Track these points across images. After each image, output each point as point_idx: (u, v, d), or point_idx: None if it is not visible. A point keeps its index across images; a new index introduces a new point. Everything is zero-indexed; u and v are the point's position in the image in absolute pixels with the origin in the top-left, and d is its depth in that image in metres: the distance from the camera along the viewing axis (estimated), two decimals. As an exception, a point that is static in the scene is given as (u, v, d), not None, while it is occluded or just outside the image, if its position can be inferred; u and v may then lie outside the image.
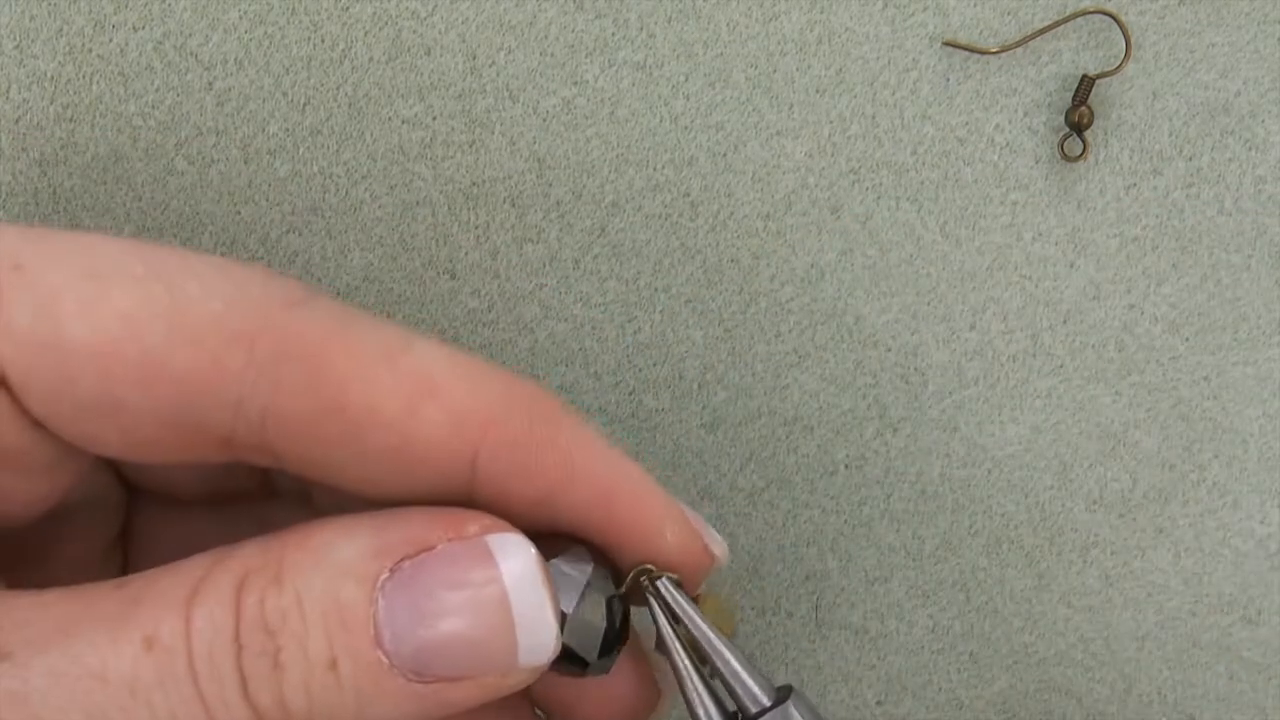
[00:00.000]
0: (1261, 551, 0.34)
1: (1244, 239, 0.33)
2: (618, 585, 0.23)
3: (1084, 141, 0.32)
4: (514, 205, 0.32)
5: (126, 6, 0.31)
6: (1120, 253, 0.33)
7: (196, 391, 0.20)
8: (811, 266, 0.32)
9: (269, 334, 0.20)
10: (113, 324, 0.20)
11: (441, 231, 0.32)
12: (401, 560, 0.20)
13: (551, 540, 0.22)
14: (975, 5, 0.32)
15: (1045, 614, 0.34)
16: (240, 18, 0.31)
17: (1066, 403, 0.33)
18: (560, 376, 0.32)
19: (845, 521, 0.33)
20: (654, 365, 0.33)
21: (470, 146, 0.32)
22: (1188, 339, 0.33)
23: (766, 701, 0.23)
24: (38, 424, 0.21)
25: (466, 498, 0.21)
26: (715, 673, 0.23)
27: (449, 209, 0.32)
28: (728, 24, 0.32)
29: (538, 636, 0.21)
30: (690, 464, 0.33)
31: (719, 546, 0.24)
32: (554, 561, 0.22)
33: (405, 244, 0.32)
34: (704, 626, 0.23)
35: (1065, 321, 0.33)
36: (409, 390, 0.21)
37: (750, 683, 0.23)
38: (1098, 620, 0.34)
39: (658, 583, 0.23)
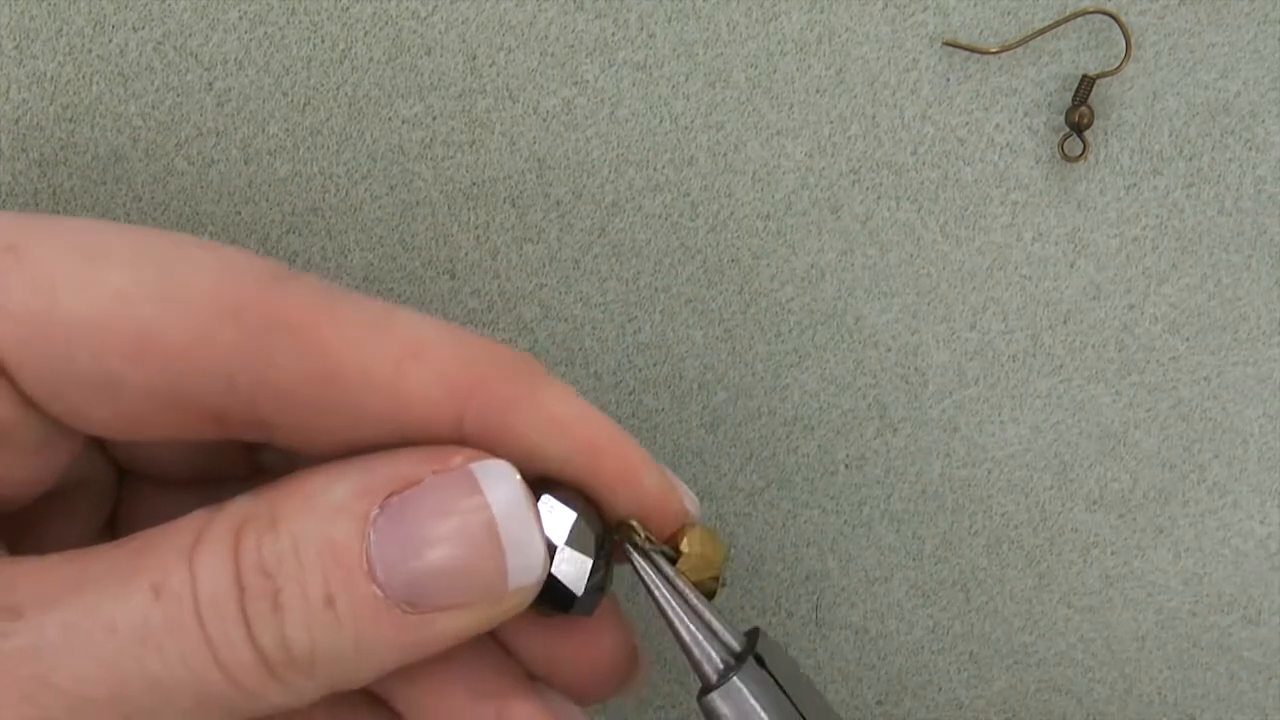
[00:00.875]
0: (1261, 551, 0.34)
1: (1244, 239, 0.33)
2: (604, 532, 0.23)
3: (1084, 141, 0.32)
4: (514, 205, 0.32)
5: (126, 6, 0.31)
6: (1120, 253, 0.33)
7: (189, 364, 0.20)
8: (811, 266, 0.32)
9: (258, 307, 0.21)
10: (107, 300, 0.20)
11: (441, 231, 0.32)
12: (390, 496, 0.21)
13: (539, 486, 0.23)
14: (975, 5, 0.32)
15: (1045, 614, 0.34)
16: (240, 18, 0.31)
17: (1066, 403, 0.33)
18: (560, 376, 0.32)
19: (845, 521, 0.33)
20: (654, 365, 0.33)
21: (470, 146, 0.32)
22: (1188, 339, 0.33)
23: (737, 646, 0.24)
24: (32, 404, 0.21)
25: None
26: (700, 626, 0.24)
27: (449, 209, 0.32)
28: (728, 24, 0.32)
29: (525, 559, 0.21)
30: (690, 464, 0.33)
31: (692, 502, 0.25)
32: (544, 496, 0.22)
33: (405, 244, 0.32)
34: (679, 582, 0.23)
35: (1065, 321, 0.33)
36: (397, 353, 0.21)
37: (721, 628, 0.24)
38: (1098, 620, 0.34)
39: (636, 534, 0.23)
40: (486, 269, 0.32)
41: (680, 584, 0.23)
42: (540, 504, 0.22)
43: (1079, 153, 0.32)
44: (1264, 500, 0.34)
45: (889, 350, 0.33)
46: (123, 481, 0.26)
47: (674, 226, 0.32)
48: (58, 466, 0.23)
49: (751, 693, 0.23)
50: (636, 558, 0.23)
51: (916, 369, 0.33)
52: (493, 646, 0.25)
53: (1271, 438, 0.34)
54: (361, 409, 0.21)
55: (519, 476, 0.22)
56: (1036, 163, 0.32)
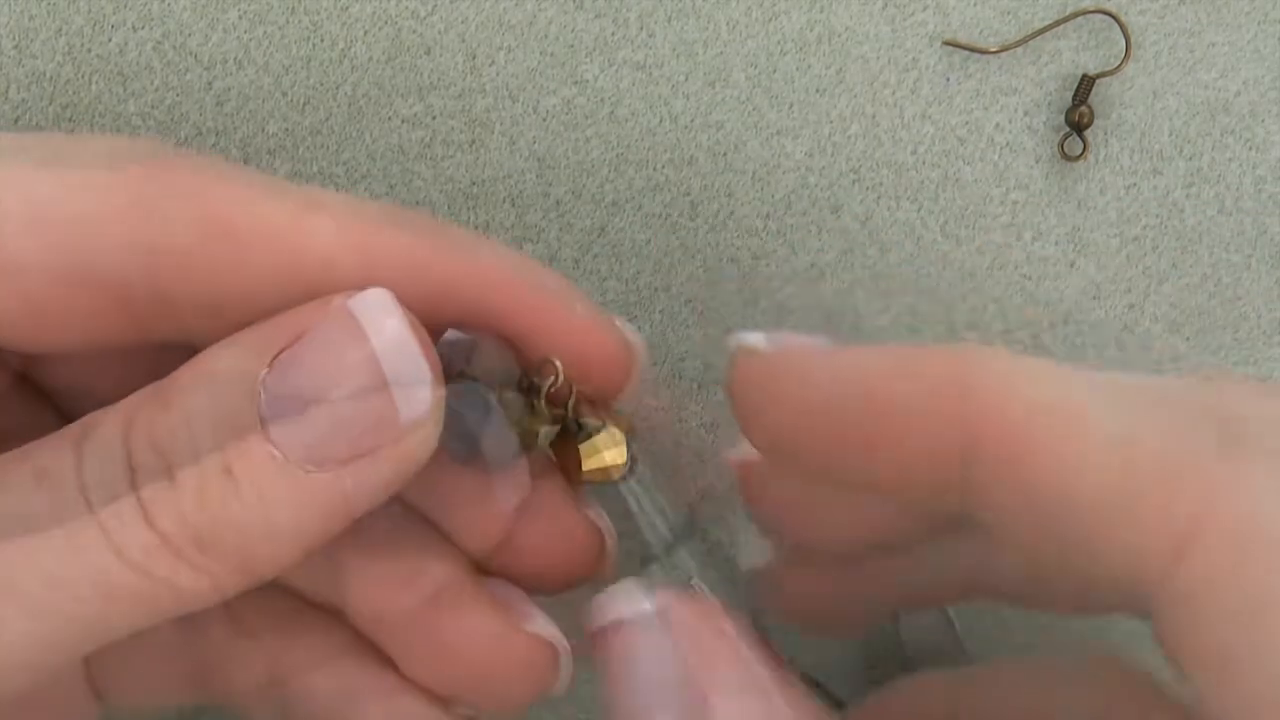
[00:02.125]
0: (1261, 551, 0.34)
1: (1244, 239, 0.33)
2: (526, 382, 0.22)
3: (1084, 141, 0.32)
4: (514, 205, 0.32)
5: (126, 6, 0.31)
6: (1120, 253, 0.33)
7: (86, 233, 0.20)
8: (811, 266, 0.32)
9: (154, 175, 0.20)
10: (1, 186, 0.20)
11: (441, 231, 0.32)
12: (279, 354, 0.20)
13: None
14: (975, 5, 0.32)
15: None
16: (240, 17, 0.31)
17: (1066, 403, 0.33)
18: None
19: (845, 521, 0.33)
20: (654, 365, 0.33)
21: (470, 146, 0.32)
22: (1188, 339, 0.33)
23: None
24: None
25: None
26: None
27: (449, 209, 0.32)
28: (728, 24, 0.32)
29: (411, 388, 0.20)
30: (690, 464, 0.33)
31: (633, 334, 0.24)
32: (449, 331, 0.22)
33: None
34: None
35: (1065, 321, 0.33)
36: (295, 207, 0.21)
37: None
38: (1098, 620, 0.34)
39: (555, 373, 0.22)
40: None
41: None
42: (443, 339, 0.21)
43: (1079, 152, 0.32)
44: (1264, 500, 0.34)
45: (889, 350, 0.33)
46: None
47: (674, 226, 0.32)
48: None
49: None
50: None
51: (916, 369, 0.33)
52: (434, 537, 0.24)
53: (1271, 438, 0.34)
54: (262, 266, 0.20)
55: (397, 305, 0.20)
56: (1036, 162, 0.33)
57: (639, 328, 0.32)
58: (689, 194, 0.32)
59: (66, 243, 0.20)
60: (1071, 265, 0.33)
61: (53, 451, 0.20)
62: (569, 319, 0.22)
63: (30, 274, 0.20)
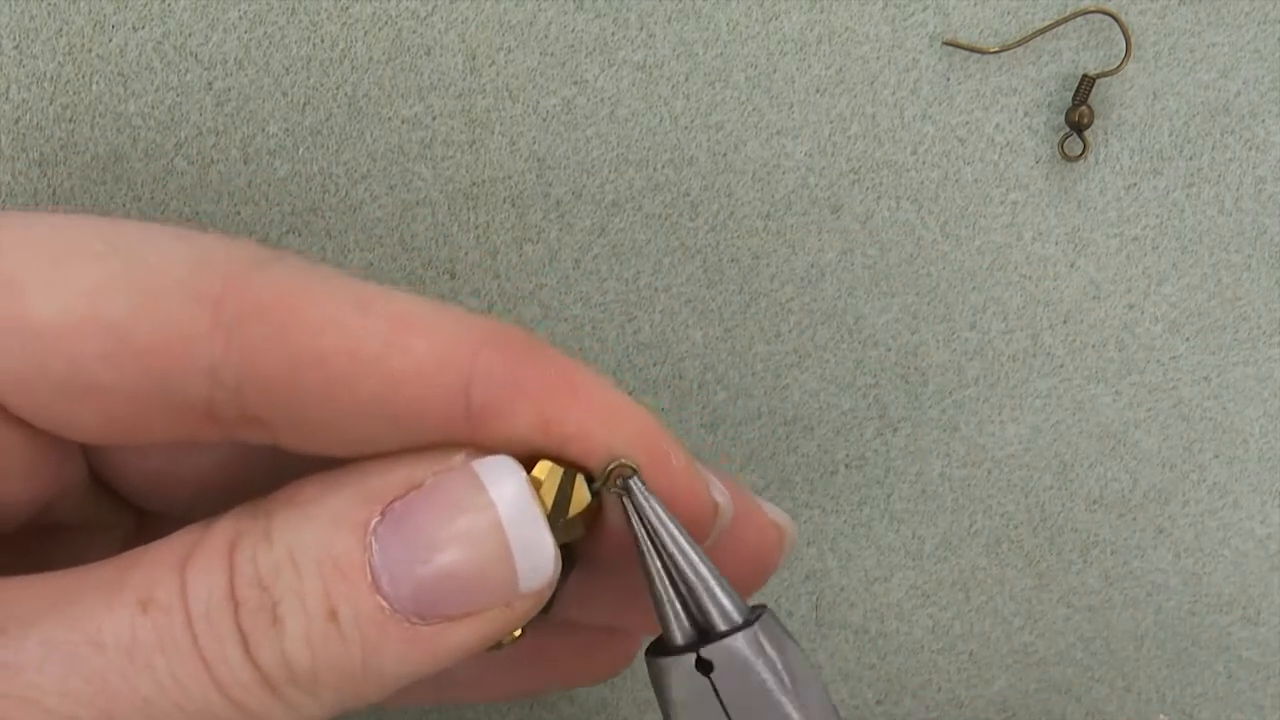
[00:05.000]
0: (1261, 551, 0.34)
1: (1244, 239, 0.33)
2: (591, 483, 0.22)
3: (1084, 141, 0.32)
4: (514, 205, 0.32)
5: (126, 6, 0.31)
6: (1120, 253, 0.33)
7: (165, 361, 0.20)
8: (811, 266, 0.32)
9: (234, 294, 0.20)
10: (76, 301, 0.19)
11: (441, 231, 0.32)
12: (391, 503, 0.20)
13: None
14: (975, 5, 0.32)
15: (1045, 614, 0.34)
16: (240, 18, 0.31)
17: (1066, 403, 0.33)
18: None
19: (845, 521, 0.33)
20: (654, 365, 0.33)
21: (470, 146, 0.32)
22: (1188, 339, 0.33)
23: (738, 618, 0.22)
24: (11, 416, 0.20)
25: (465, 436, 0.21)
26: (686, 583, 0.22)
27: (449, 209, 0.32)
28: (728, 24, 0.32)
29: (535, 559, 0.20)
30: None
31: (722, 495, 0.23)
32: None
33: (405, 244, 0.32)
34: (676, 531, 0.22)
35: (1065, 321, 0.33)
36: (387, 329, 0.20)
37: (721, 596, 0.22)
38: (1098, 620, 0.34)
39: (631, 481, 0.21)
40: (486, 269, 0.32)
41: (677, 533, 0.21)
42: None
43: (1079, 152, 0.32)
44: (1264, 500, 0.34)
45: (889, 350, 0.33)
46: (141, 526, 0.25)
47: (674, 226, 0.32)
48: (48, 485, 0.22)
49: (750, 657, 0.21)
50: (630, 507, 0.21)
51: (916, 369, 0.33)
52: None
53: (1271, 438, 0.34)
54: (353, 391, 0.20)
55: (524, 472, 0.20)
56: (1036, 162, 0.32)
57: (639, 328, 0.32)
58: (689, 194, 0.32)
59: (146, 369, 0.20)
60: (1071, 265, 0.33)
61: (156, 578, 0.19)
62: (674, 468, 0.22)
63: (108, 394, 0.20)
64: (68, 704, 0.18)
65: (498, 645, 0.22)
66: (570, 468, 0.21)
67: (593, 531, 0.22)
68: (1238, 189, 0.33)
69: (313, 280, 0.20)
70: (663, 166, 0.32)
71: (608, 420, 0.21)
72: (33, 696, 0.18)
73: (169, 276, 0.20)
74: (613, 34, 0.31)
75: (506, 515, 0.20)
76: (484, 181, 0.32)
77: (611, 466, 0.21)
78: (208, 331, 0.19)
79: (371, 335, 0.20)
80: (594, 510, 0.22)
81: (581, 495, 0.21)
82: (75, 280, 0.20)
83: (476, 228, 0.32)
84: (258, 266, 0.20)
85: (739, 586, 0.22)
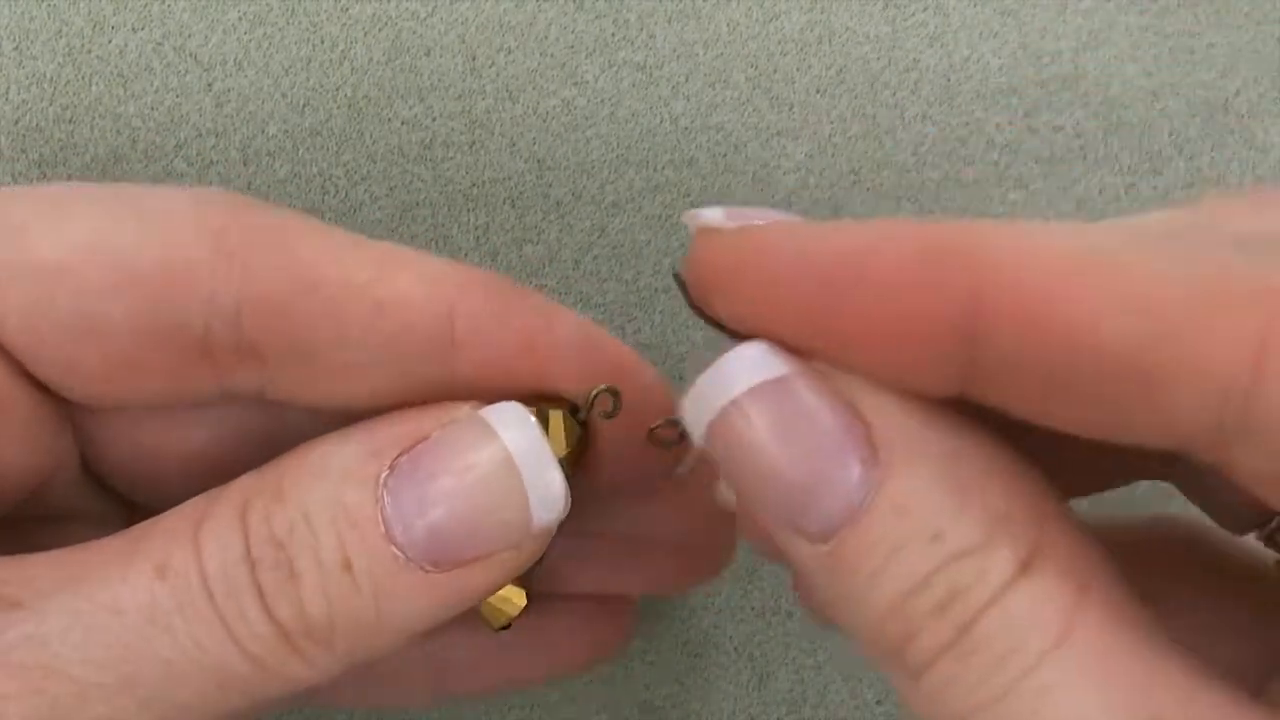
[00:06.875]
0: (1261, 551, 0.34)
1: (1244, 239, 0.33)
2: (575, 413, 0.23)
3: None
4: (514, 206, 0.32)
5: (126, 7, 0.31)
6: (1120, 253, 0.33)
7: (169, 287, 0.20)
8: (811, 267, 0.32)
9: (235, 226, 0.21)
10: (80, 237, 0.20)
11: (441, 232, 0.32)
12: (399, 456, 0.20)
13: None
14: (975, 5, 0.32)
15: (1045, 613, 0.34)
16: (240, 18, 0.31)
17: (1066, 403, 0.33)
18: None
19: (845, 521, 0.33)
20: (654, 365, 0.33)
21: (470, 147, 0.32)
22: (1187, 339, 0.33)
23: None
24: (13, 365, 0.21)
25: (450, 379, 0.22)
26: None
27: (449, 209, 0.32)
28: (728, 24, 0.32)
29: (547, 496, 0.21)
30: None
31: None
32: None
33: (405, 244, 0.32)
34: None
35: (1065, 321, 0.33)
36: (379, 261, 0.21)
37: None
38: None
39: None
40: (486, 269, 0.32)
41: None
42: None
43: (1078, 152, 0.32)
44: (1263, 500, 0.34)
45: (889, 350, 0.33)
46: (132, 523, 0.26)
47: (674, 227, 0.32)
48: (46, 454, 0.22)
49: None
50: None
51: (916, 369, 0.33)
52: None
53: (1271, 437, 0.34)
54: (345, 318, 0.21)
55: (532, 418, 0.21)
56: (1036, 162, 0.33)
57: (639, 329, 0.32)
58: (689, 195, 0.32)
59: (150, 297, 0.20)
60: (1071, 265, 0.33)
61: (170, 544, 0.20)
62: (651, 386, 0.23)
63: (111, 328, 0.20)
64: (91, 671, 0.19)
65: (505, 626, 0.23)
66: (556, 406, 0.22)
67: (581, 465, 0.23)
68: (1238, 189, 0.33)
69: (309, 221, 0.22)
70: (663, 167, 0.32)
71: (586, 346, 0.22)
72: (58, 666, 0.19)
73: (170, 212, 0.21)
74: (613, 34, 0.31)
75: (520, 456, 0.21)
76: (484, 183, 0.32)
77: (595, 394, 0.22)
78: (209, 257, 0.20)
79: (363, 265, 0.21)
80: (585, 443, 0.23)
81: (572, 430, 0.22)
82: (78, 221, 0.20)
83: (476, 228, 0.32)
84: (255, 206, 0.21)
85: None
